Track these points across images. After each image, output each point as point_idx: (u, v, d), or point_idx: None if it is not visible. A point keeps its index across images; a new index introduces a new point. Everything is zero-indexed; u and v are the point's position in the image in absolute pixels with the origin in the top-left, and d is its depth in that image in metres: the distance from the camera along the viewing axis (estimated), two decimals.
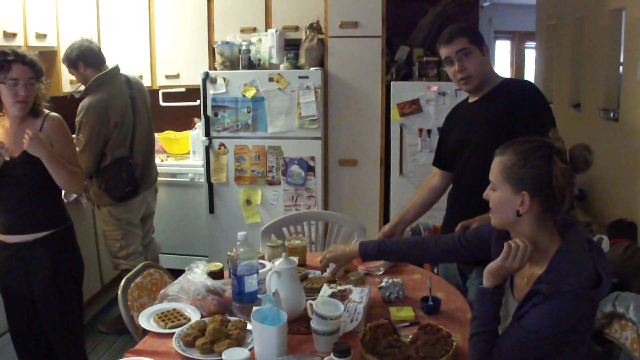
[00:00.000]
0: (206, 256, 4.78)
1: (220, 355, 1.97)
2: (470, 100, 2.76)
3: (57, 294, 3.02)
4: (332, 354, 1.73)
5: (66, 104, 4.93)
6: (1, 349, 3.41)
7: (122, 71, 4.15)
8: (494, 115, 2.58)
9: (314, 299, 2.18)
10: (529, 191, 1.78)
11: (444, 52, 2.68)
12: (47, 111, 3.00)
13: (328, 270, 2.60)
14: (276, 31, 4.53)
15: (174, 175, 4.99)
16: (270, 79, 4.43)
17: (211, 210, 4.76)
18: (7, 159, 2.79)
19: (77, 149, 3.75)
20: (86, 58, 3.97)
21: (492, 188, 1.90)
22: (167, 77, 5.13)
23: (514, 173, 1.81)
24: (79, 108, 3.89)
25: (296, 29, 4.73)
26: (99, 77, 3.94)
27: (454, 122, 2.86)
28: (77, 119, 3.88)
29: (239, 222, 4.68)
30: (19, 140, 2.83)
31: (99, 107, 3.86)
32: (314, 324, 2.02)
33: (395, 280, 2.45)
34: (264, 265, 2.50)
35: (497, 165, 1.87)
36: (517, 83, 2.79)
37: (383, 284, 2.45)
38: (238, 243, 2.25)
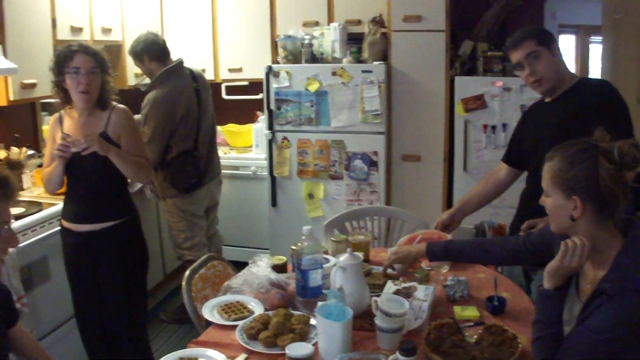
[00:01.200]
0: (267, 249, 4.79)
1: (284, 350, 1.97)
2: (547, 100, 2.71)
3: (122, 283, 3.08)
4: (398, 352, 1.71)
5: (131, 96, 5.03)
6: (67, 334, 3.51)
7: (185, 64, 4.19)
8: (568, 116, 2.53)
9: (377, 296, 2.16)
10: (580, 195, 1.74)
11: (513, 57, 2.64)
12: (114, 103, 3.06)
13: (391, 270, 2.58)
14: (339, 25, 4.51)
15: (236, 168, 5.03)
16: (334, 73, 4.41)
17: (273, 203, 4.78)
18: (74, 150, 2.84)
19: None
20: (151, 51, 4.04)
21: (546, 195, 1.87)
22: (230, 70, 5.17)
23: (562, 178, 1.78)
24: (145, 101, 3.96)
25: (359, 22, 4.69)
26: (164, 71, 4.00)
27: (530, 121, 2.81)
28: (143, 112, 3.94)
29: (301, 216, 4.68)
30: (87, 132, 2.91)
31: (165, 101, 3.92)
32: (378, 321, 2.00)
33: (460, 278, 2.41)
34: (328, 260, 2.48)
35: (547, 172, 1.84)
36: (593, 83, 2.73)
37: (448, 282, 2.41)
38: (303, 237, 2.25)
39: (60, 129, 3.04)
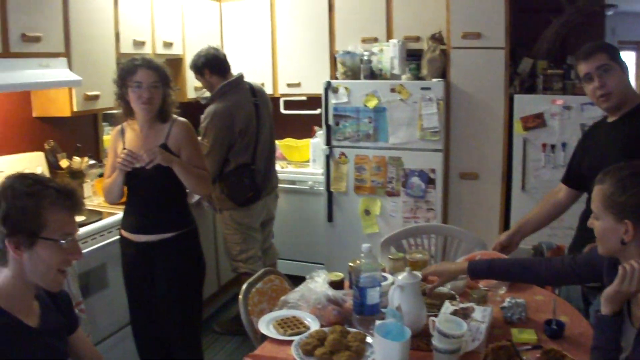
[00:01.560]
0: (322, 264, 4.79)
1: None
2: (609, 119, 2.65)
3: (178, 294, 3.12)
4: None
5: (191, 109, 5.11)
6: (122, 341, 3.58)
7: (245, 79, 4.24)
8: (632, 137, 2.47)
9: (435, 315, 2.14)
10: (632, 219, 1.72)
11: (583, 68, 2.58)
12: (175, 116, 3.11)
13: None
14: (398, 41, 4.51)
15: (293, 182, 5.05)
16: (392, 90, 4.41)
17: (329, 218, 4.79)
18: (138, 166, 2.90)
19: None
20: (212, 65, 4.10)
21: (595, 217, 1.84)
22: (289, 85, 5.22)
23: (614, 202, 1.75)
24: (205, 114, 4.02)
25: (417, 39, 4.68)
26: (224, 85, 4.06)
27: (591, 141, 2.76)
28: (203, 124, 4.00)
29: (357, 232, 4.68)
30: (148, 144, 2.98)
31: (224, 114, 3.97)
32: (436, 341, 1.98)
33: (518, 300, 2.37)
34: (385, 278, 2.47)
35: (597, 195, 1.82)
36: None
37: (505, 304, 2.37)
38: (362, 254, 2.24)
39: (122, 141, 3.12)
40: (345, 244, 4.70)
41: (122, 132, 3.16)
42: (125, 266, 3.23)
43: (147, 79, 2.94)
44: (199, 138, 3.92)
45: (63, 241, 1.76)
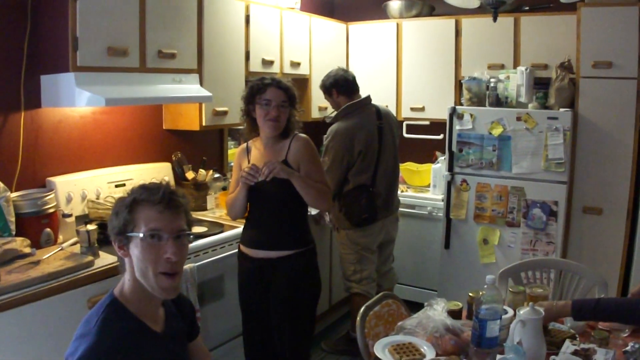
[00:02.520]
0: (435, 290, 4.77)
1: None
2: None
3: (291, 312, 3.14)
4: None
5: (315, 129, 5.22)
6: (232, 350, 3.69)
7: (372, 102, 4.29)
8: None
9: (555, 354, 2.10)
10: None
11: None
12: (296, 132, 3.20)
13: None
14: (526, 69, 4.44)
15: (412, 207, 5.05)
16: (518, 118, 4.34)
17: (447, 245, 4.75)
18: (260, 179, 2.96)
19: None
20: (340, 86, 4.19)
21: None
22: (412, 109, 5.24)
23: None
24: (327, 132, 4.11)
25: (545, 67, 4.60)
26: (349, 106, 4.13)
27: None
28: (325, 142, 4.10)
29: (473, 261, 4.63)
30: (269, 160, 3.04)
31: (345, 134, 4.03)
32: None
33: None
34: (506, 312, 2.44)
35: None
36: None
37: (629, 347, 2.28)
38: (485, 286, 2.22)
39: (247, 158, 3.23)
40: (460, 272, 4.66)
41: (247, 150, 3.27)
42: (241, 280, 3.29)
43: (276, 97, 3.04)
44: (322, 157, 4.01)
45: (142, 235, 1.79)
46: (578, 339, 2.40)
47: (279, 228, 3.15)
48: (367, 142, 4.08)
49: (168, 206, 1.84)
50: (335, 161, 4.03)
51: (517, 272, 3.33)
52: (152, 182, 1.92)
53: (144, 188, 1.86)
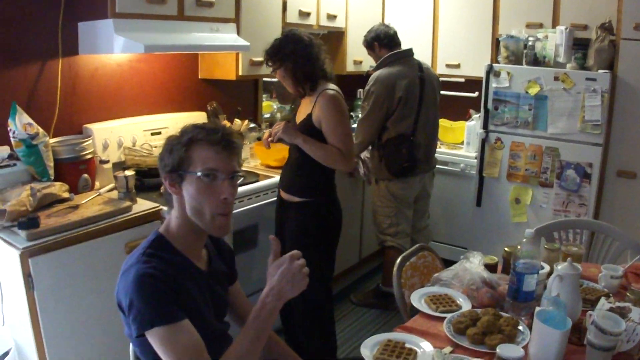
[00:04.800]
0: (465, 248, 4.74)
1: (490, 348, 1.99)
2: None
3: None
4: None
5: (350, 82, 5.20)
6: None
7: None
8: None
9: (590, 310, 2.10)
10: None
11: None
12: (326, 88, 3.17)
13: None
14: (565, 29, 4.35)
15: (445, 163, 5.03)
16: (556, 78, 4.28)
17: (478, 203, 4.75)
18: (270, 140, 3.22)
19: (360, 116, 4.14)
20: (381, 39, 4.20)
21: None
22: (448, 66, 5.19)
23: None
24: (370, 79, 4.12)
25: (585, 27, 4.50)
26: (392, 54, 4.17)
27: None
28: (366, 88, 4.12)
29: (505, 220, 4.63)
30: (301, 113, 3.21)
31: (387, 80, 4.04)
32: (591, 336, 1.94)
33: None
34: (543, 267, 2.44)
35: None
36: None
37: None
38: (524, 240, 2.22)
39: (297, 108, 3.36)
40: (491, 230, 4.67)
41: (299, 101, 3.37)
42: (275, 220, 3.48)
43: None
44: (362, 102, 4.13)
45: (200, 174, 1.80)
46: (612, 297, 2.38)
47: (293, 177, 3.28)
48: (408, 90, 4.07)
49: (225, 147, 1.84)
50: (375, 106, 4.04)
51: (550, 231, 3.33)
52: (208, 123, 1.93)
53: (201, 128, 1.86)
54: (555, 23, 4.60)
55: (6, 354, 2.81)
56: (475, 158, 4.78)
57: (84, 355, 2.88)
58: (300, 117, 3.23)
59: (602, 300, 2.26)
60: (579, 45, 4.44)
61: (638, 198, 4.33)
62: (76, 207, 2.98)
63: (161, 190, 1.99)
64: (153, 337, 1.69)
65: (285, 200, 3.31)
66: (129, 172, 3.20)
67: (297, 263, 1.76)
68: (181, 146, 1.82)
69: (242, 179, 1.95)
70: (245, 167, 4.05)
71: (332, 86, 3.19)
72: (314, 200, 3.25)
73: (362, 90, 4.39)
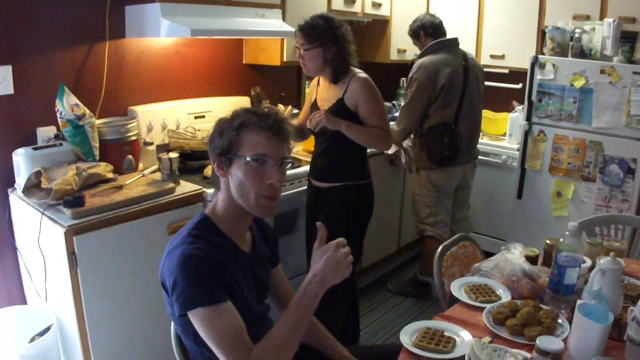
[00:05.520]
0: (504, 240, 4.74)
1: (529, 340, 1.99)
2: None
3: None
4: None
5: (393, 71, 5.18)
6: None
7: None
8: None
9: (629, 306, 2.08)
10: None
11: None
12: (356, 72, 3.20)
13: None
14: (613, 21, 4.27)
15: (487, 154, 5.00)
16: (602, 71, 4.20)
17: (519, 195, 4.72)
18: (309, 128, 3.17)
19: (402, 102, 4.13)
20: (426, 28, 4.19)
21: None
22: (492, 57, 5.13)
23: None
24: (413, 66, 4.11)
25: (633, 20, 4.40)
26: (437, 42, 4.15)
27: None
28: (410, 74, 4.10)
29: (545, 213, 4.59)
30: (330, 98, 3.20)
31: (430, 67, 4.02)
32: (632, 332, 1.91)
33: None
34: (584, 261, 2.42)
35: None
36: None
37: None
38: (567, 232, 2.20)
39: (316, 90, 3.37)
40: (531, 223, 4.63)
41: (318, 82, 3.38)
42: (306, 209, 3.52)
43: (298, 40, 3.15)
44: (405, 89, 4.12)
45: (249, 159, 1.82)
46: None
47: (329, 160, 3.30)
48: (451, 78, 4.04)
49: (276, 133, 1.86)
50: (418, 92, 4.03)
51: (592, 226, 3.30)
52: (260, 108, 1.95)
53: (252, 112, 1.88)
54: (602, 15, 4.52)
55: (48, 329, 2.88)
56: (518, 150, 4.74)
57: (124, 333, 2.94)
58: (327, 102, 3.23)
59: None
60: (626, 38, 4.36)
61: None
62: (120, 187, 3.03)
63: (206, 173, 2.02)
64: (195, 318, 1.72)
65: (322, 187, 3.33)
66: (173, 154, 3.23)
67: (342, 251, 1.77)
68: (232, 130, 1.84)
69: (290, 165, 1.96)
70: None
71: (360, 70, 3.23)
72: (354, 184, 3.29)
73: (405, 79, 4.36)
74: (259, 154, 1.84)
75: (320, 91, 3.32)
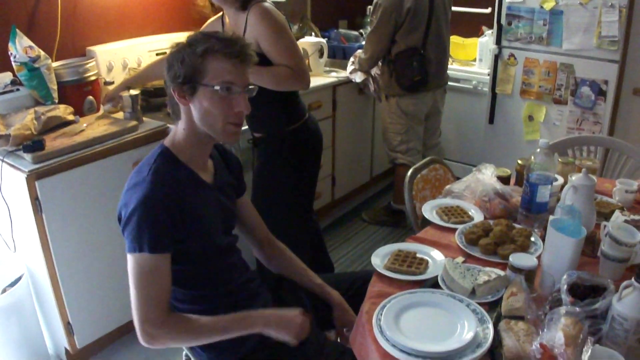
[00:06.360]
0: (476, 166, 4.71)
1: (503, 259, 1.99)
2: None
3: (261, 185, 3.10)
4: (634, 279, 1.60)
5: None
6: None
7: None
8: None
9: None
10: None
11: None
12: (256, 1, 2.70)
13: None
14: None
15: (457, 80, 4.96)
16: None
17: (491, 120, 4.69)
18: None
19: (368, 28, 4.05)
20: None
21: None
22: None
23: None
24: None
25: None
26: None
27: None
28: (374, 1, 4.02)
29: (517, 137, 4.57)
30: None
31: None
32: (605, 247, 1.91)
33: None
34: (556, 179, 2.39)
35: None
36: None
37: None
38: (538, 150, 2.18)
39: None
40: (504, 147, 4.62)
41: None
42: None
43: None
44: (370, 16, 4.02)
45: (217, 88, 1.76)
46: (626, 211, 2.35)
47: (253, 109, 3.01)
48: (417, 2, 3.95)
49: (243, 60, 1.81)
50: (383, 18, 3.94)
51: (564, 147, 3.29)
52: (221, 33, 1.87)
53: (216, 38, 1.79)
54: None
55: (18, 279, 2.85)
56: (488, 75, 4.69)
57: (96, 275, 2.93)
58: None
59: (617, 212, 2.23)
60: None
61: None
62: (82, 129, 2.95)
63: (166, 102, 1.95)
64: (133, 261, 1.72)
65: (255, 137, 3.07)
66: (134, 91, 3.17)
67: (300, 320, 1.88)
68: (195, 56, 1.76)
69: (255, 92, 1.92)
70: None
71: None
72: (282, 130, 2.98)
73: (370, 7, 4.26)
74: (226, 81, 1.78)
75: (227, 30, 2.91)
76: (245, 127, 3.04)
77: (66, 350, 3.00)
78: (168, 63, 1.82)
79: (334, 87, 4.30)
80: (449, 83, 4.54)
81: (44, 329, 3.06)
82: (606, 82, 4.13)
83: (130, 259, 1.73)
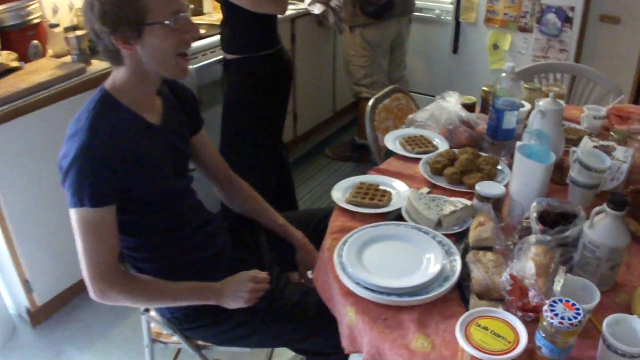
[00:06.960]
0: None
1: (469, 188, 1.93)
2: None
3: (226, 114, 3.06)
4: (605, 205, 1.53)
5: None
6: None
7: None
8: None
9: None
10: None
11: None
12: None
13: None
14: None
15: (420, 10, 4.85)
16: None
17: (455, 50, 4.60)
18: None
19: None
20: None
21: None
22: None
23: None
24: None
25: None
26: None
27: None
28: None
29: (482, 66, 4.50)
30: None
31: None
32: (574, 173, 1.85)
33: None
34: (523, 105, 2.32)
35: None
36: None
37: None
38: (503, 74, 2.10)
39: None
40: (468, 77, 4.56)
41: None
42: (220, 83, 3.27)
43: None
44: None
45: (169, 22, 1.63)
46: (594, 135, 2.29)
47: (227, 30, 2.92)
48: None
49: None
50: None
51: (530, 74, 3.24)
52: None
53: None
54: None
55: None
56: (451, 3, 4.58)
57: (49, 229, 2.87)
58: None
59: (585, 139, 2.17)
60: None
61: (620, 43, 4.19)
62: (26, 74, 2.82)
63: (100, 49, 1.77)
64: (76, 215, 1.64)
65: (227, 59, 2.98)
66: (80, 32, 3.02)
67: (250, 285, 1.85)
68: None
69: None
70: (206, 20, 3.84)
71: None
72: (257, 55, 2.91)
73: None
74: (173, 11, 1.63)
75: None
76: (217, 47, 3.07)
77: (27, 309, 2.95)
78: (98, 13, 1.62)
79: (292, 19, 4.15)
80: (413, 13, 4.44)
81: (3, 289, 2.99)
82: (572, 9, 4.05)
83: (72, 213, 1.64)
